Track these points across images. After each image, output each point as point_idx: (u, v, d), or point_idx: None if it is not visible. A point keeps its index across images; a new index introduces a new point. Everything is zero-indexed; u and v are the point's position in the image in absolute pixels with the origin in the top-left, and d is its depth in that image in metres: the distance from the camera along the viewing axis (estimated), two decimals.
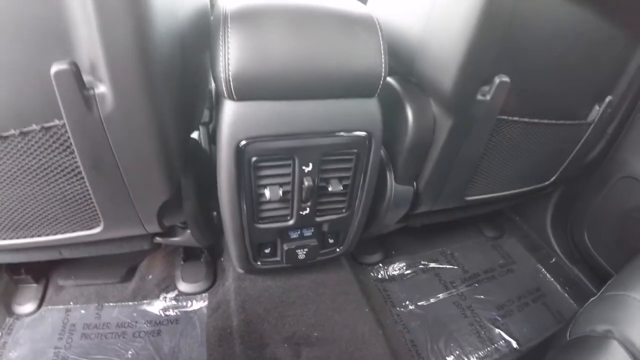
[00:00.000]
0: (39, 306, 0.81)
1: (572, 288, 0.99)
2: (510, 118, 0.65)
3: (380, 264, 0.99)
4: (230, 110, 0.50)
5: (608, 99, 0.73)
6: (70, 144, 0.47)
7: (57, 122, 0.46)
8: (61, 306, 0.82)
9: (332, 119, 0.53)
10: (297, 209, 0.61)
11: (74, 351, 0.74)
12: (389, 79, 0.67)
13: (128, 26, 0.40)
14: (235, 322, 0.75)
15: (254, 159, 0.53)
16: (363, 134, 0.56)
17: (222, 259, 0.88)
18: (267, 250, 0.69)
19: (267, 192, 0.56)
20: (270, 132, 0.51)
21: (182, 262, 0.88)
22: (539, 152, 0.76)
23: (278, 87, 0.49)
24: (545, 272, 1.04)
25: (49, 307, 0.81)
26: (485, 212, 0.95)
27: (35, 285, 0.83)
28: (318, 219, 0.65)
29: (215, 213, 0.75)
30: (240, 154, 0.52)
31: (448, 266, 1.02)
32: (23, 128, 0.46)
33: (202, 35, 0.58)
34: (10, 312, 0.80)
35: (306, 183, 0.56)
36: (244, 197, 0.57)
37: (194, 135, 0.80)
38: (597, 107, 0.75)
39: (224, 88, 0.47)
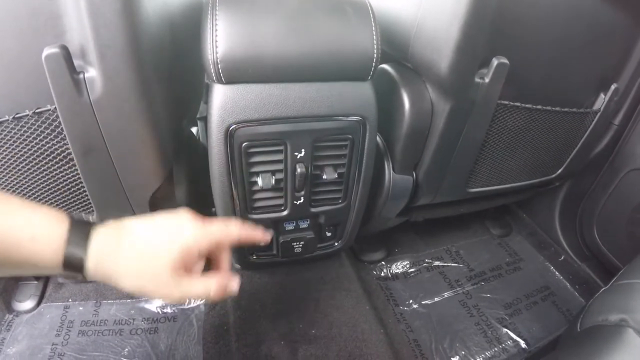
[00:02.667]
0: (39, 303, 0.81)
1: (582, 286, 0.96)
2: (512, 103, 0.63)
3: (383, 262, 0.97)
4: (218, 93, 0.49)
5: (613, 86, 0.71)
6: (62, 129, 0.48)
7: (49, 107, 0.46)
8: (60, 303, 0.82)
9: (324, 103, 0.53)
10: (291, 199, 0.60)
11: (71, 348, 0.74)
12: (385, 66, 0.66)
13: (116, 9, 0.40)
14: (232, 319, 0.73)
15: (244, 144, 0.52)
16: (357, 118, 0.55)
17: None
18: (262, 243, 0.67)
19: (259, 180, 0.56)
20: (260, 116, 0.51)
21: None
22: (543, 142, 0.74)
23: (267, 70, 0.48)
24: (553, 269, 1.01)
25: (48, 304, 0.81)
26: (490, 207, 0.93)
27: (35, 282, 0.84)
28: (313, 210, 0.63)
29: (213, 209, 0.74)
30: (230, 138, 0.51)
31: (453, 264, 0.99)
32: (16, 114, 0.46)
33: (195, 23, 0.58)
34: (10, 309, 0.79)
35: (299, 170, 0.55)
36: (236, 185, 0.56)
37: (193, 130, 0.80)
38: (602, 95, 0.73)
39: (212, 71, 0.47)
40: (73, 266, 0.35)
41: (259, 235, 0.46)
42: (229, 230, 0.43)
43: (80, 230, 0.36)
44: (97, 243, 0.36)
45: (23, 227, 0.34)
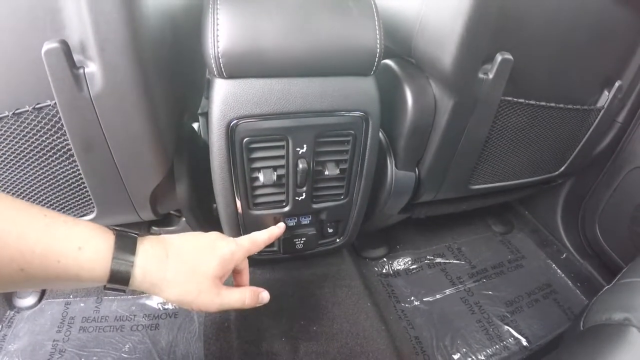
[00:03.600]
0: (40, 299, 0.81)
1: (584, 284, 0.95)
2: (516, 100, 0.63)
3: (385, 259, 0.97)
4: (220, 88, 0.49)
5: (617, 84, 0.71)
6: (62, 124, 0.47)
7: (48, 102, 0.46)
8: (61, 299, 0.82)
9: (326, 98, 0.52)
10: (293, 195, 0.59)
11: (72, 344, 0.74)
12: (387, 61, 0.66)
13: (116, 3, 0.40)
14: (233, 316, 0.73)
15: (245, 139, 0.52)
16: (359, 113, 0.54)
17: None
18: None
19: (260, 176, 0.55)
20: (262, 111, 0.50)
21: None
22: (546, 138, 0.74)
23: (269, 64, 0.48)
24: (555, 267, 1.00)
25: (49, 300, 0.81)
26: (493, 204, 0.92)
27: None
28: (315, 206, 0.63)
29: (215, 205, 0.74)
30: (231, 134, 0.51)
31: (455, 261, 0.99)
32: (16, 109, 0.46)
33: (196, 17, 0.57)
34: (11, 306, 0.80)
35: (301, 165, 0.55)
36: (237, 181, 0.56)
37: (194, 125, 0.80)
38: (606, 93, 0.72)
39: (213, 65, 0.47)
40: (119, 277, 0.36)
41: (277, 231, 0.54)
42: (256, 241, 0.49)
43: (127, 242, 0.37)
44: (144, 254, 0.37)
45: (68, 239, 0.34)
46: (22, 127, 0.47)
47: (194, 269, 0.41)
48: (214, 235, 0.46)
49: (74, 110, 0.46)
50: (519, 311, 0.88)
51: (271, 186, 0.58)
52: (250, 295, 0.46)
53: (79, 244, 0.34)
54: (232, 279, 0.52)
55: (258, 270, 0.79)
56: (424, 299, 0.89)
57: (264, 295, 0.49)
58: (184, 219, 0.69)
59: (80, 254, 0.34)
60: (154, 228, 0.71)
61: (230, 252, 0.44)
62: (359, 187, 0.63)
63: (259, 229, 0.64)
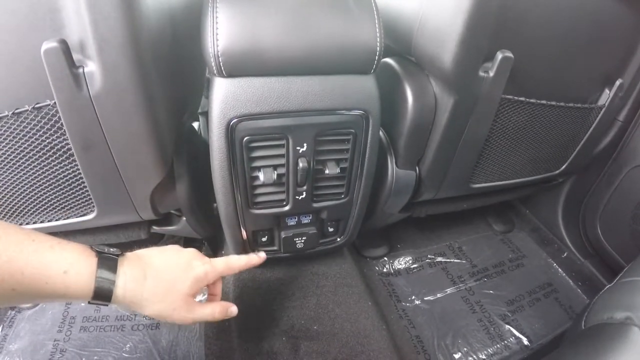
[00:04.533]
0: None
1: (585, 283, 0.95)
2: (516, 98, 0.63)
3: (385, 258, 0.97)
4: (219, 87, 0.49)
5: (618, 82, 0.70)
6: (62, 124, 0.47)
7: (48, 101, 0.46)
8: None
9: (326, 96, 0.52)
10: (293, 194, 0.59)
11: (73, 344, 0.74)
12: (388, 60, 0.66)
13: (115, 2, 0.40)
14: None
15: (245, 138, 0.51)
16: (359, 112, 0.54)
17: (222, 252, 0.87)
18: (264, 239, 0.67)
19: (260, 175, 0.55)
20: (261, 110, 0.50)
21: None
22: (547, 137, 0.74)
23: (269, 63, 0.48)
24: (556, 266, 1.00)
25: None
26: (493, 202, 0.92)
27: None
28: (315, 205, 0.63)
29: (215, 205, 0.74)
30: (231, 133, 0.51)
31: (456, 260, 0.99)
32: (15, 109, 0.46)
33: (195, 16, 0.57)
34: (12, 306, 0.80)
35: (301, 164, 0.54)
36: (237, 180, 0.55)
37: (194, 125, 0.80)
38: (607, 91, 0.72)
39: (213, 64, 0.46)
40: (102, 296, 0.40)
41: (255, 259, 0.57)
42: (231, 266, 0.53)
43: (108, 264, 0.41)
44: (124, 275, 0.41)
45: (55, 263, 0.38)
46: (21, 127, 0.47)
47: (169, 288, 0.45)
48: (191, 254, 0.49)
49: (74, 109, 0.45)
50: (520, 310, 0.88)
51: (271, 185, 0.58)
52: (219, 310, 0.50)
53: (65, 268, 0.38)
54: None
55: (258, 270, 0.79)
56: (425, 298, 0.89)
57: (233, 310, 0.53)
58: (184, 218, 0.69)
59: (66, 277, 0.38)
60: (154, 227, 0.71)
61: (204, 273, 0.48)
62: (359, 186, 0.63)
63: (259, 228, 0.65)
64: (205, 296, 0.55)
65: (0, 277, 0.34)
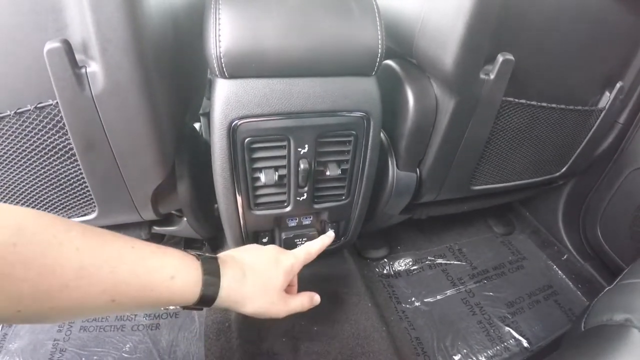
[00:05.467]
0: None
1: (585, 285, 0.95)
2: (517, 100, 0.63)
3: (386, 259, 0.97)
4: (221, 88, 0.49)
5: (619, 84, 0.71)
6: (64, 124, 0.47)
7: (50, 101, 0.46)
8: None
9: (328, 98, 0.52)
10: (294, 195, 0.59)
11: (73, 343, 0.74)
12: (389, 62, 0.66)
13: (118, 2, 0.40)
14: (234, 316, 0.73)
15: (247, 139, 0.51)
16: (361, 114, 0.54)
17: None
18: (264, 240, 0.67)
19: (262, 176, 0.55)
20: (263, 111, 0.50)
21: None
22: (548, 139, 0.74)
23: (271, 64, 0.48)
24: (556, 268, 1.00)
25: None
26: (494, 204, 0.92)
27: None
28: (316, 206, 0.63)
29: (216, 205, 0.74)
30: (233, 134, 0.51)
31: (456, 262, 0.99)
32: (18, 108, 0.46)
33: (198, 17, 0.57)
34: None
35: (302, 166, 0.54)
36: (238, 181, 0.56)
37: (196, 125, 0.80)
38: (607, 94, 0.72)
39: (215, 65, 0.47)
40: (207, 299, 0.41)
41: (327, 240, 0.59)
42: (311, 252, 0.55)
43: (212, 267, 0.42)
44: (227, 277, 0.42)
45: (161, 270, 0.37)
46: (23, 127, 0.48)
47: (266, 284, 0.47)
48: (274, 249, 0.51)
49: (76, 109, 0.46)
50: (520, 312, 0.88)
51: (272, 186, 0.58)
52: (307, 300, 0.54)
53: (172, 273, 0.38)
54: None
55: None
56: (425, 300, 0.88)
57: (316, 299, 0.56)
58: (185, 218, 0.69)
59: (173, 283, 0.38)
60: (155, 227, 0.71)
61: (290, 265, 0.50)
62: (360, 188, 0.63)
63: (260, 229, 0.64)
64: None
65: (101, 288, 0.33)
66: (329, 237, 0.59)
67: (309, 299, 0.54)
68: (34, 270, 0.30)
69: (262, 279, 0.46)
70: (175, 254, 0.40)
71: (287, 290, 0.54)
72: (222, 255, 0.46)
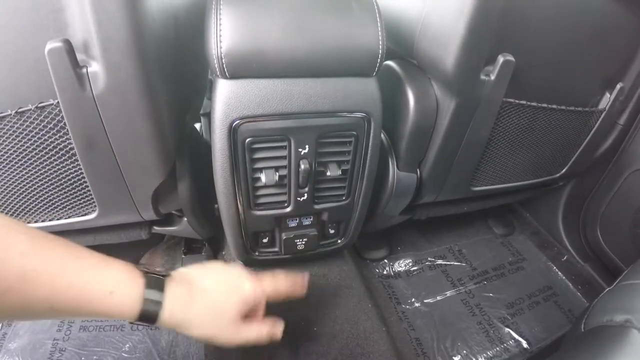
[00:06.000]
0: None
1: (585, 286, 0.95)
2: (517, 101, 0.63)
3: (386, 260, 0.97)
4: (222, 89, 0.49)
5: (619, 86, 0.71)
6: (65, 123, 0.48)
7: (51, 101, 0.46)
8: None
9: (328, 99, 0.52)
10: (295, 195, 0.59)
11: (72, 343, 0.74)
12: (389, 62, 0.66)
13: (119, 2, 0.40)
14: None
15: (248, 140, 0.52)
16: (361, 114, 0.54)
17: (223, 253, 0.87)
18: (265, 240, 0.67)
19: (262, 176, 0.55)
20: (264, 112, 0.50)
21: (183, 256, 0.87)
22: (548, 140, 0.74)
23: (272, 65, 0.48)
24: (556, 270, 1.00)
25: None
26: (494, 205, 0.92)
27: None
28: (317, 207, 0.63)
29: (217, 205, 0.74)
30: (234, 134, 0.51)
31: (456, 263, 0.99)
32: (19, 108, 0.46)
33: (199, 18, 0.57)
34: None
35: (303, 166, 0.54)
36: (239, 181, 0.56)
37: (196, 126, 0.80)
38: (607, 95, 0.72)
39: (216, 66, 0.47)
40: (148, 317, 0.39)
41: (300, 280, 0.56)
42: (278, 286, 0.52)
43: (156, 286, 0.40)
44: (171, 297, 0.40)
45: (100, 284, 0.36)
46: (24, 126, 0.48)
47: (217, 311, 0.44)
48: (238, 273, 0.48)
49: (77, 109, 0.46)
50: (520, 313, 0.88)
51: (273, 187, 0.58)
52: (266, 330, 0.49)
53: (111, 288, 0.36)
54: None
55: (259, 271, 0.79)
56: (425, 301, 0.88)
57: (278, 333, 0.51)
58: (185, 218, 0.69)
59: (111, 298, 0.36)
60: (155, 227, 0.71)
61: (252, 295, 0.47)
62: (360, 188, 0.63)
63: (260, 229, 0.64)
64: None
65: (40, 295, 0.33)
66: (303, 277, 0.56)
67: (268, 329, 0.49)
68: None
69: (212, 306, 0.43)
70: (120, 269, 0.38)
71: (252, 315, 0.50)
72: (175, 273, 0.44)
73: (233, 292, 0.45)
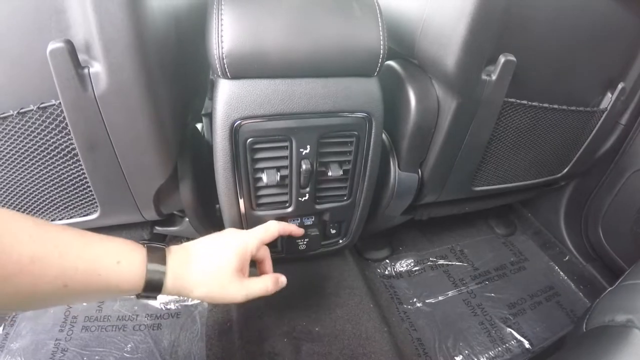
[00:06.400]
0: None
1: (587, 286, 0.95)
2: (518, 101, 0.63)
3: (387, 260, 0.97)
4: (224, 89, 0.49)
5: (620, 85, 0.71)
6: (66, 124, 0.48)
7: (53, 101, 0.46)
8: None
9: (330, 99, 0.52)
10: (296, 195, 0.59)
11: (74, 343, 0.74)
12: (391, 62, 0.66)
13: (121, 3, 0.40)
14: (235, 316, 0.73)
15: (249, 140, 0.52)
16: (363, 114, 0.54)
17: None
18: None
19: (264, 176, 0.55)
20: (265, 112, 0.50)
21: None
22: (549, 140, 0.74)
23: (273, 65, 0.48)
24: (558, 270, 1.00)
25: None
26: (495, 205, 0.92)
27: None
28: (318, 207, 0.63)
29: (218, 206, 0.74)
30: (235, 134, 0.51)
31: (457, 263, 0.99)
32: (21, 108, 0.46)
33: (200, 18, 0.58)
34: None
35: (304, 166, 0.55)
36: (240, 181, 0.56)
37: (198, 126, 0.80)
38: (609, 95, 0.72)
39: (218, 66, 0.47)
40: (154, 285, 0.42)
41: (294, 228, 0.57)
42: (270, 229, 0.53)
43: (157, 254, 0.43)
44: (172, 264, 0.43)
45: (108, 255, 0.39)
46: (26, 127, 0.48)
47: (215, 267, 0.46)
48: (228, 232, 0.51)
49: (79, 110, 0.46)
50: (522, 313, 0.88)
51: (274, 187, 0.58)
52: (272, 281, 0.51)
53: (117, 258, 0.39)
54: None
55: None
56: (427, 301, 0.88)
57: (283, 280, 0.54)
58: (187, 219, 0.69)
59: (119, 267, 0.39)
60: (156, 228, 0.71)
61: (244, 244, 0.49)
62: (362, 188, 0.63)
63: None
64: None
65: (53, 273, 0.34)
66: (297, 228, 0.59)
67: (273, 281, 0.51)
68: None
69: (210, 262, 0.46)
70: (121, 242, 0.41)
71: (260, 268, 0.55)
72: (172, 245, 0.47)
73: (225, 248, 0.48)
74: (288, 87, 0.50)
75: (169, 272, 0.42)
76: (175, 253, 0.45)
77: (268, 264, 0.55)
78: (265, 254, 0.55)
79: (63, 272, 0.35)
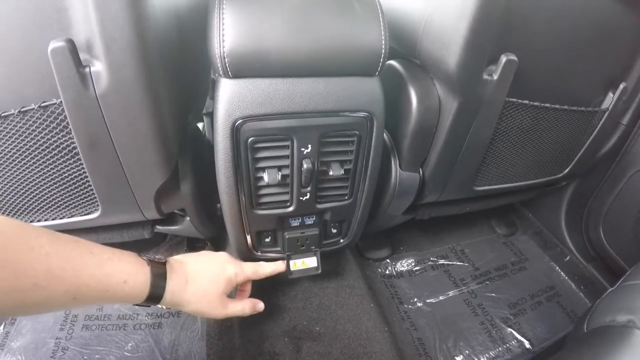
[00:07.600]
0: None
1: (587, 287, 0.95)
2: (520, 101, 0.63)
3: (388, 260, 0.97)
4: (225, 88, 0.49)
5: (622, 85, 0.71)
6: (67, 123, 0.48)
7: (54, 100, 0.46)
8: None
9: (331, 98, 0.52)
10: (297, 195, 0.59)
11: (74, 342, 0.74)
12: (392, 62, 0.66)
13: (122, 2, 0.40)
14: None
15: (250, 139, 0.51)
16: (364, 114, 0.54)
17: (226, 252, 0.87)
18: (267, 239, 0.67)
19: (265, 176, 0.55)
20: (267, 111, 0.50)
21: None
22: (551, 140, 0.74)
23: (274, 64, 0.48)
24: (559, 270, 1.00)
25: None
26: (496, 205, 0.92)
27: None
28: (319, 206, 0.63)
29: (219, 205, 0.74)
30: (236, 133, 0.51)
31: (458, 263, 0.99)
32: (22, 107, 0.46)
33: (201, 17, 0.57)
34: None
35: (305, 166, 0.54)
36: (241, 181, 0.56)
37: (199, 125, 0.80)
38: (610, 94, 0.72)
39: (219, 65, 0.47)
40: (153, 299, 0.48)
41: (282, 266, 0.65)
42: (259, 272, 0.62)
43: (160, 272, 0.48)
44: (171, 281, 0.49)
45: (116, 275, 0.43)
46: (27, 125, 0.48)
47: (206, 290, 0.54)
48: (224, 258, 0.59)
49: (80, 108, 0.46)
50: (522, 313, 0.88)
51: (275, 186, 0.58)
52: (249, 306, 0.61)
53: (124, 278, 0.44)
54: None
55: None
56: (427, 301, 0.88)
57: (260, 306, 0.63)
58: (187, 218, 0.69)
59: (126, 286, 0.44)
60: (157, 227, 0.71)
61: (234, 275, 0.58)
62: (363, 188, 0.63)
63: (263, 229, 0.65)
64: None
65: (64, 288, 0.38)
66: (283, 264, 0.66)
67: (251, 305, 0.61)
68: (9, 271, 0.34)
69: (202, 285, 0.53)
70: (129, 260, 0.46)
71: (240, 295, 0.64)
72: (171, 260, 0.53)
73: (219, 275, 0.56)
74: (289, 86, 0.50)
75: (168, 290, 0.48)
76: (175, 273, 0.51)
77: (247, 292, 0.64)
78: (248, 288, 0.64)
79: (75, 289, 0.39)
